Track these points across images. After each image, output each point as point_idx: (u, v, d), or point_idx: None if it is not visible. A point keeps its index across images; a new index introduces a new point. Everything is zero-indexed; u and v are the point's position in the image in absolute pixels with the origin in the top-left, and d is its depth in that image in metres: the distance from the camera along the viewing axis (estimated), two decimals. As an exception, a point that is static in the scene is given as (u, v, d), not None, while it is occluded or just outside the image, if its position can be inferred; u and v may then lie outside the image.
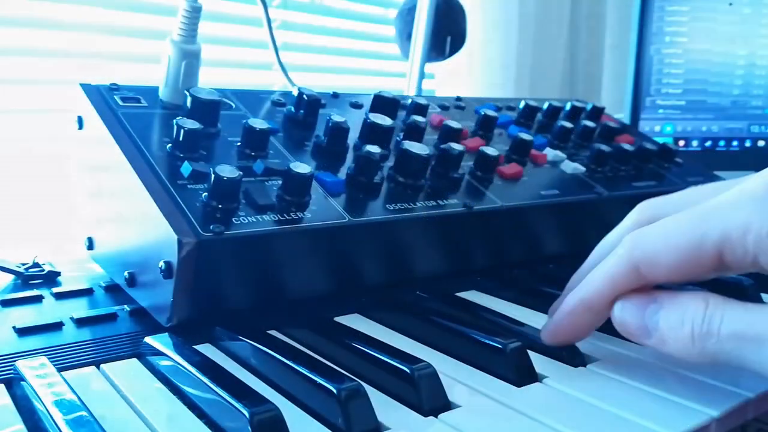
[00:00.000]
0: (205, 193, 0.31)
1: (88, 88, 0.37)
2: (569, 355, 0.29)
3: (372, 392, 0.24)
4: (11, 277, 0.37)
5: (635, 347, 0.31)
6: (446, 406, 0.25)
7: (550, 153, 0.47)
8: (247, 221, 0.30)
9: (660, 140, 0.57)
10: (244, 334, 0.29)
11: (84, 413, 0.22)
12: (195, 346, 0.29)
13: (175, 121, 0.33)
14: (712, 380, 0.27)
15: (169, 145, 0.34)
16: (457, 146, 0.40)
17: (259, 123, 0.36)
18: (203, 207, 0.30)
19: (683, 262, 0.24)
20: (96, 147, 0.36)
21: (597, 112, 0.55)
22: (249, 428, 0.21)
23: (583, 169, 0.47)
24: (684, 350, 0.24)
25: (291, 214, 0.32)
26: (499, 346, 0.28)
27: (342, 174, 0.36)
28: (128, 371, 0.27)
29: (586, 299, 0.27)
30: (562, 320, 0.28)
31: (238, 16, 0.76)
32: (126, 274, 0.33)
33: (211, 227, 0.29)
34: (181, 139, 0.33)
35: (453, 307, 0.35)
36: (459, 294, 0.37)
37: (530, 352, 0.28)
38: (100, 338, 0.30)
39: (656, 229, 0.25)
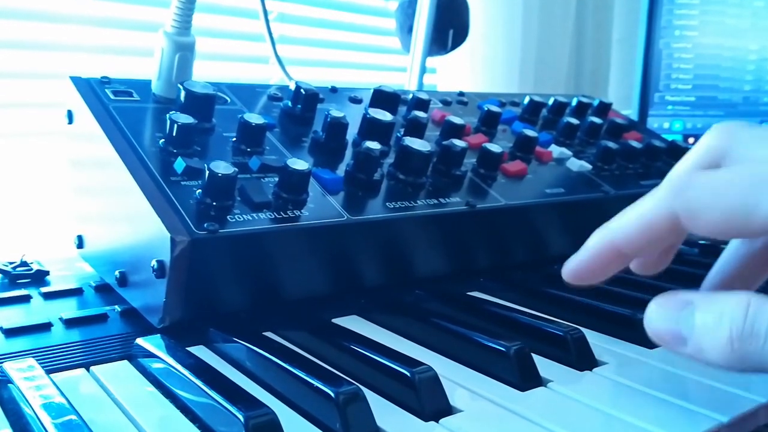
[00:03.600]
0: (199, 190, 0.30)
1: (78, 82, 0.36)
2: (580, 356, 0.28)
3: (371, 396, 0.24)
4: (-2, 276, 0.37)
5: (642, 350, 0.30)
6: (447, 410, 0.25)
7: (556, 150, 0.47)
8: (242, 219, 0.30)
9: (669, 137, 0.57)
10: (238, 336, 0.29)
11: (73, 417, 0.22)
12: (188, 348, 0.28)
13: (168, 115, 0.33)
14: (721, 384, 0.27)
15: (162, 140, 0.33)
16: (459, 143, 0.39)
17: (255, 118, 0.35)
18: (197, 204, 0.30)
19: (727, 223, 0.22)
20: (86, 142, 0.36)
21: (604, 108, 0.55)
22: (243, 433, 0.20)
23: (589, 166, 0.46)
24: (723, 356, 0.21)
25: (288, 212, 0.31)
26: (502, 348, 0.27)
27: (340, 171, 0.36)
28: (119, 374, 0.27)
29: (616, 241, 0.25)
30: (587, 259, 0.26)
31: (234, 8, 0.76)
32: (117, 273, 0.33)
33: (205, 225, 0.29)
34: (174, 134, 0.33)
35: (454, 308, 0.34)
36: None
37: (534, 355, 0.28)
38: (90, 339, 0.30)
39: (707, 180, 0.23)
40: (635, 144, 0.49)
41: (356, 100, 0.45)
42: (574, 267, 0.26)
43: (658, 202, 0.24)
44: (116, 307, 0.33)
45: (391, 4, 0.84)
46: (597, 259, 0.25)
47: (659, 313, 0.23)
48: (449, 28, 0.68)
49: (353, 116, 0.39)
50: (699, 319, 0.22)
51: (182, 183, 0.31)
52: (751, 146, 0.25)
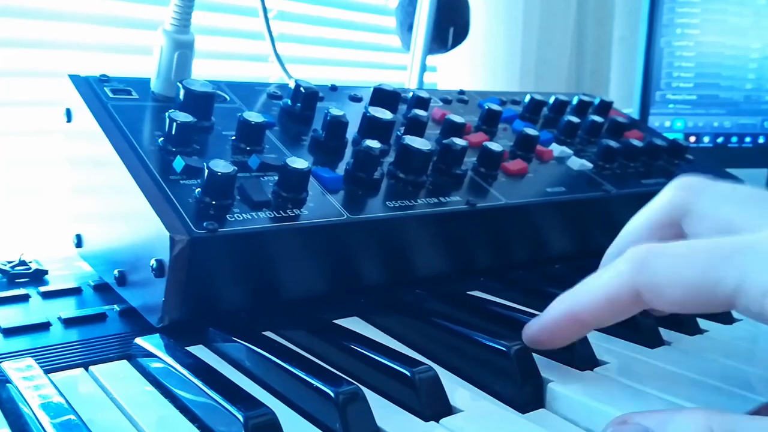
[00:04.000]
0: (198, 189, 0.30)
1: (77, 80, 0.36)
2: (581, 355, 0.28)
3: (371, 396, 0.24)
4: (-4, 275, 0.37)
5: (643, 350, 0.30)
6: (447, 410, 0.24)
7: (557, 149, 0.47)
8: (241, 218, 0.30)
9: (670, 136, 0.56)
10: (238, 336, 0.28)
11: (72, 417, 0.22)
12: (187, 348, 0.28)
13: (167, 114, 0.33)
14: (724, 384, 0.27)
15: (161, 138, 0.33)
16: (459, 141, 0.39)
17: (254, 116, 0.35)
18: (196, 203, 0.30)
19: (690, 299, 0.22)
20: (85, 141, 0.35)
21: (605, 107, 0.54)
22: (243, 433, 0.20)
23: (590, 165, 0.46)
24: None
25: (287, 211, 0.31)
26: (503, 348, 0.27)
27: (340, 170, 0.36)
28: (118, 373, 0.27)
29: (577, 312, 0.25)
30: (547, 325, 0.26)
31: (234, 6, 0.75)
32: (116, 272, 0.33)
33: (204, 224, 0.29)
34: (173, 132, 0.33)
35: (454, 307, 0.34)
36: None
37: (534, 355, 0.27)
38: (89, 339, 0.30)
39: (668, 257, 0.23)
40: (636, 143, 0.49)
41: (356, 99, 0.45)
42: (535, 334, 0.27)
43: (620, 278, 0.24)
44: (115, 306, 0.33)
45: (391, 2, 0.84)
46: (558, 328, 0.26)
47: None
48: (450, 26, 0.68)
49: (353, 115, 0.39)
50: None
51: (181, 182, 0.31)
52: (713, 203, 0.25)
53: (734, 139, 0.81)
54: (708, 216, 0.25)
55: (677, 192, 0.26)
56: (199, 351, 0.29)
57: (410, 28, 0.69)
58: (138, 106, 0.35)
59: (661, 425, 0.20)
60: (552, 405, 0.26)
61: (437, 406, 0.24)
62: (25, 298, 0.34)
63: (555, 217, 0.42)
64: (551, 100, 0.52)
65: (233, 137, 0.35)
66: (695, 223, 0.26)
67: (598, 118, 0.51)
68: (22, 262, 0.37)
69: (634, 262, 0.23)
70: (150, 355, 0.27)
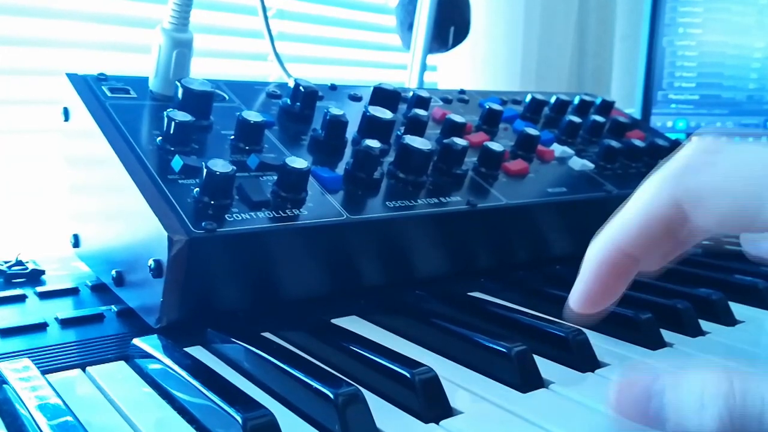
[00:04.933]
0: (197, 189, 0.30)
1: (74, 79, 0.36)
2: (582, 357, 0.28)
3: (370, 397, 0.24)
4: (-7, 275, 0.37)
5: (645, 351, 0.30)
6: (448, 412, 0.24)
7: (558, 149, 0.46)
8: (240, 218, 0.30)
9: (672, 136, 0.56)
10: (237, 337, 0.28)
11: (69, 418, 0.21)
12: (185, 349, 0.28)
13: (165, 113, 0.33)
14: None
15: (160, 138, 0.33)
16: (460, 141, 0.39)
17: (253, 116, 0.35)
18: (195, 203, 0.30)
19: (736, 213, 0.19)
20: (82, 140, 0.35)
21: (607, 107, 0.54)
22: (242, 435, 0.20)
23: (591, 165, 0.46)
24: None
25: (286, 211, 0.31)
26: (504, 350, 0.27)
27: (340, 169, 0.36)
28: (115, 374, 0.27)
29: (618, 241, 0.22)
30: (593, 276, 0.23)
31: (232, 4, 0.75)
32: (113, 272, 0.33)
33: (202, 224, 0.29)
34: (171, 132, 0.33)
35: (455, 309, 0.34)
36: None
37: (536, 357, 0.27)
38: (86, 340, 0.29)
39: (712, 167, 0.20)
40: (638, 143, 0.49)
41: (356, 98, 0.44)
42: (583, 292, 0.23)
43: (657, 189, 0.21)
44: (113, 307, 0.33)
45: (391, 1, 0.84)
46: (604, 272, 0.23)
47: (625, 404, 0.20)
48: (450, 25, 0.68)
49: (353, 114, 0.39)
50: (675, 401, 0.19)
51: (180, 181, 0.31)
52: (742, 145, 0.22)
53: (737, 139, 0.80)
54: (747, 149, 0.22)
55: (697, 152, 0.22)
56: (198, 352, 0.29)
57: (410, 26, 0.69)
58: (136, 105, 0.35)
59: (674, 386, 0.19)
60: (553, 407, 0.25)
61: (437, 408, 0.24)
62: (21, 299, 0.33)
63: (556, 217, 0.42)
64: (552, 99, 0.52)
65: (232, 137, 0.35)
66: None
67: (599, 118, 0.51)
68: (19, 262, 0.37)
69: (674, 169, 0.21)
70: (148, 356, 0.27)
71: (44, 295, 0.34)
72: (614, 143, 0.48)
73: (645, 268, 0.23)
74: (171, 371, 0.25)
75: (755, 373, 0.19)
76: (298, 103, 0.39)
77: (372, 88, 0.42)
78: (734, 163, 0.21)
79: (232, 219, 0.30)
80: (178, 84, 0.34)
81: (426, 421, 0.24)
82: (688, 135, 0.81)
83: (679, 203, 0.21)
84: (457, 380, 0.27)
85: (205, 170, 0.29)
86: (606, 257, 0.23)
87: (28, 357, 0.27)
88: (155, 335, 0.28)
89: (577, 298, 0.24)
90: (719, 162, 0.21)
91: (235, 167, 0.30)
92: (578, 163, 0.46)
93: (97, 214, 0.35)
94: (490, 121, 0.47)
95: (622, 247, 0.23)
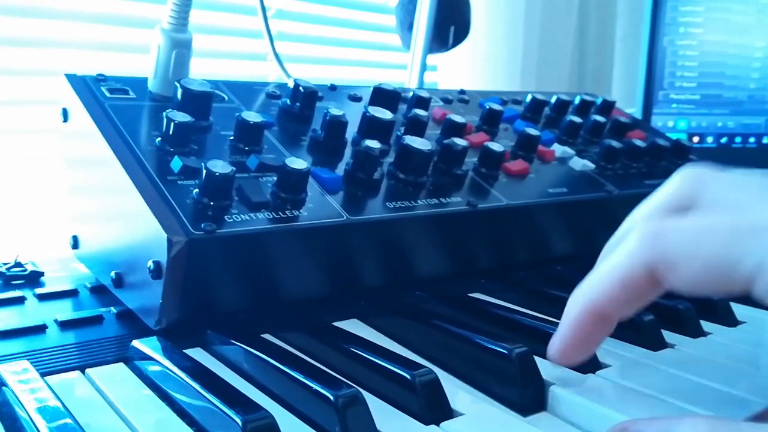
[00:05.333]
0: (196, 190, 0.30)
1: (73, 79, 0.36)
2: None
3: (371, 399, 0.24)
4: (-8, 277, 0.37)
5: (646, 352, 0.30)
6: (448, 414, 0.24)
7: (558, 149, 0.46)
8: (240, 219, 0.30)
9: (673, 136, 0.56)
10: (236, 338, 0.28)
11: (68, 420, 0.21)
12: (185, 351, 0.28)
13: (164, 113, 0.33)
14: (728, 388, 0.26)
15: (159, 138, 0.33)
16: (460, 141, 0.39)
17: (253, 116, 0.35)
18: (194, 204, 0.30)
19: (709, 276, 0.20)
20: (81, 141, 0.35)
21: (607, 107, 0.54)
22: (241, 437, 0.20)
23: (592, 166, 0.46)
24: None
25: (286, 212, 0.31)
26: (504, 351, 0.27)
27: (340, 170, 0.36)
28: (115, 376, 0.27)
29: (595, 305, 0.23)
30: (572, 331, 0.24)
31: (232, 4, 0.75)
32: (113, 274, 0.32)
33: (202, 225, 0.29)
34: (171, 132, 0.32)
35: (455, 309, 0.34)
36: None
37: (537, 358, 0.27)
38: (86, 342, 0.29)
39: (683, 231, 0.21)
40: (639, 143, 0.49)
41: (356, 98, 0.44)
42: (561, 345, 0.24)
43: (632, 257, 0.22)
44: (112, 308, 0.33)
45: (391, 1, 0.84)
46: (583, 329, 0.24)
47: None
48: (450, 25, 0.68)
49: (353, 114, 0.39)
50: None
51: (179, 182, 0.30)
52: (722, 190, 0.23)
53: (738, 139, 0.80)
54: (718, 202, 0.23)
55: (684, 182, 0.24)
56: (197, 354, 0.29)
57: (410, 26, 0.69)
58: (135, 106, 0.35)
59: (657, 427, 0.20)
60: (554, 408, 0.25)
61: (438, 410, 0.24)
62: (20, 300, 0.33)
63: (556, 218, 0.42)
64: (553, 99, 0.52)
65: (231, 137, 0.35)
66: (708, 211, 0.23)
67: (600, 118, 0.51)
68: (18, 264, 0.37)
69: (645, 235, 0.22)
70: (147, 357, 0.27)
71: (43, 297, 0.34)
72: (615, 143, 0.47)
73: (622, 316, 0.24)
74: (170, 373, 0.25)
75: (737, 423, 0.19)
76: (298, 104, 0.39)
77: (372, 89, 0.42)
78: (710, 215, 0.21)
79: (231, 220, 0.29)
80: (178, 84, 0.34)
81: (426, 423, 0.23)
82: (690, 136, 0.80)
83: (654, 268, 0.22)
84: (457, 382, 0.27)
85: (204, 171, 0.29)
86: (585, 317, 0.24)
87: (27, 359, 0.27)
88: (155, 337, 0.28)
89: (555, 352, 0.25)
90: (691, 222, 0.21)
91: (234, 168, 0.30)
92: (579, 164, 0.46)
93: (97, 215, 0.35)
94: (491, 122, 0.47)
95: (600, 308, 0.23)
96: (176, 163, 0.31)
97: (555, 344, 0.25)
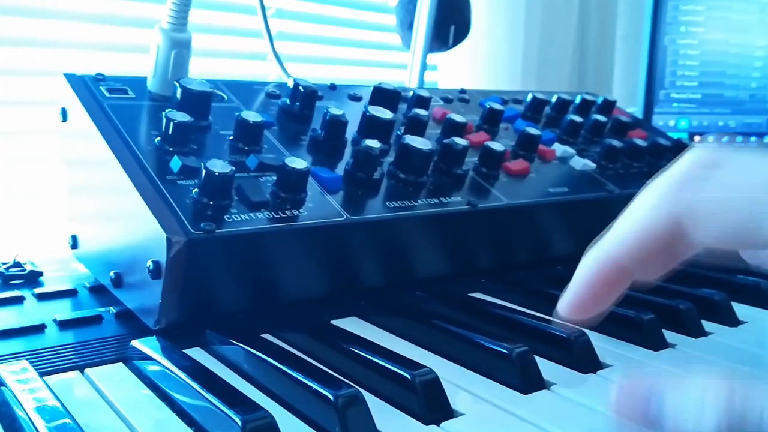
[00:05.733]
0: (196, 190, 0.30)
1: (72, 79, 0.36)
2: (583, 358, 0.28)
3: (371, 399, 0.24)
4: (-9, 277, 0.37)
5: (647, 352, 0.30)
6: (449, 414, 0.24)
7: (559, 148, 0.46)
8: (239, 219, 0.30)
9: (674, 135, 0.56)
10: (236, 338, 0.28)
11: (67, 420, 0.21)
12: (184, 350, 0.28)
13: (164, 113, 0.33)
14: None
15: (158, 138, 0.33)
16: (460, 141, 0.39)
17: (252, 116, 0.35)
18: (193, 204, 0.30)
19: (735, 231, 0.19)
20: (81, 140, 0.35)
21: (608, 106, 0.54)
22: (241, 437, 0.20)
23: (593, 165, 0.46)
24: None
25: (286, 211, 0.31)
26: (505, 351, 0.27)
27: (340, 170, 0.36)
28: (114, 376, 0.27)
29: (615, 255, 0.22)
30: (586, 284, 0.23)
31: (231, 4, 0.75)
32: (112, 274, 0.32)
33: (201, 225, 0.28)
34: (170, 132, 0.32)
35: (455, 310, 0.34)
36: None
37: (537, 358, 0.27)
38: (85, 341, 0.29)
39: (709, 187, 0.20)
40: (640, 142, 0.49)
41: (356, 98, 0.44)
42: (573, 298, 0.23)
43: (656, 204, 0.21)
44: (111, 308, 0.33)
45: (391, 0, 0.83)
46: (596, 283, 0.23)
47: (626, 405, 0.20)
48: (450, 25, 0.68)
49: (353, 114, 0.39)
50: (675, 404, 0.19)
51: (178, 182, 0.30)
52: (741, 158, 0.22)
53: (739, 138, 0.80)
54: (746, 163, 0.21)
55: (700, 156, 0.22)
56: (197, 353, 0.29)
57: (411, 26, 0.69)
58: (134, 106, 0.35)
59: (675, 389, 0.19)
60: (554, 408, 0.25)
61: (438, 410, 0.24)
62: (19, 300, 0.33)
63: (557, 217, 0.42)
64: (553, 99, 0.52)
65: (231, 137, 0.35)
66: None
67: (601, 118, 0.51)
68: (17, 264, 0.37)
69: (672, 186, 0.21)
70: (146, 357, 0.27)
71: (42, 297, 0.34)
72: (616, 143, 0.47)
73: (639, 279, 0.23)
74: (170, 373, 0.25)
75: (757, 383, 0.19)
76: (298, 103, 0.39)
77: (372, 88, 0.42)
78: (734, 177, 0.21)
79: (231, 220, 0.29)
80: (177, 84, 0.34)
81: (426, 423, 0.23)
82: (691, 135, 0.80)
83: (678, 219, 0.21)
84: (458, 382, 0.27)
85: (203, 171, 0.29)
86: (600, 269, 0.23)
87: (26, 359, 0.26)
88: (154, 337, 0.28)
89: (566, 305, 0.24)
90: (719, 176, 0.21)
91: (234, 168, 0.30)
92: (580, 163, 0.46)
93: (96, 215, 0.35)
94: (491, 121, 0.46)
95: (617, 260, 0.23)
96: (175, 163, 0.31)
97: (566, 298, 0.24)
